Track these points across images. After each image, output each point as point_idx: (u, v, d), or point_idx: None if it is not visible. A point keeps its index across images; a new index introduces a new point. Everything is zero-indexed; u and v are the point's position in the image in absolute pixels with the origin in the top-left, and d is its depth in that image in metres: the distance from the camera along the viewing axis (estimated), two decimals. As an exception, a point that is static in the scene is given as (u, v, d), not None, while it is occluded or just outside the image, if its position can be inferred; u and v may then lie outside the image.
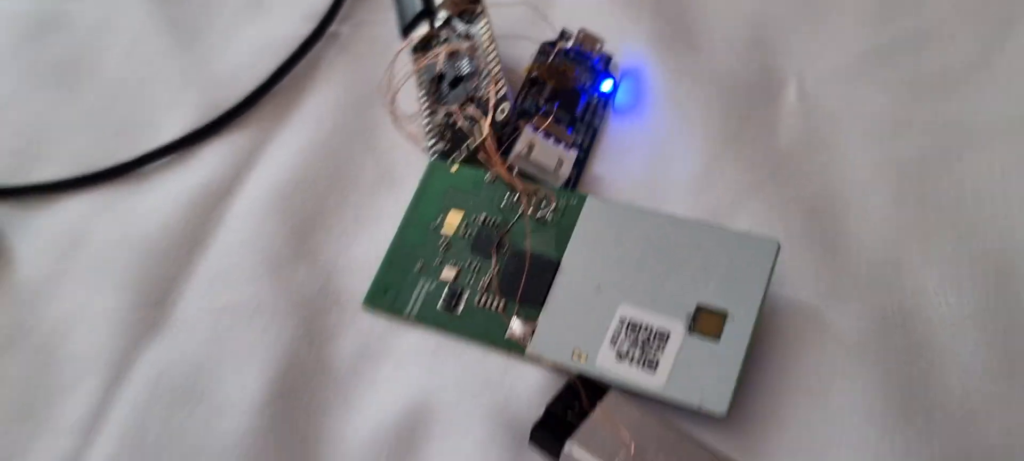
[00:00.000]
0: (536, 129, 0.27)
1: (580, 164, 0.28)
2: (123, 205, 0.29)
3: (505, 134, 0.27)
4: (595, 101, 0.29)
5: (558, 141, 0.27)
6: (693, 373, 0.23)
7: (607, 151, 0.29)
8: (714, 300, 0.24)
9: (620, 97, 0.30)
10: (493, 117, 0.27)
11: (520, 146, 0.27)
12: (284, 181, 0.29)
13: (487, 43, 0.29)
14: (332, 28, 0.33)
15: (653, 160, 0.28)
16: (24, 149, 0.31)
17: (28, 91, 0.33)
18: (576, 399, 0.23)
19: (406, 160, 0.29)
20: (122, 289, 0.27)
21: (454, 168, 0.28)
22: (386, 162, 0.29)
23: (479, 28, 0.30)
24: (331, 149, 0.30)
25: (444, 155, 0.28)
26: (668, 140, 0.29)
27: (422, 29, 0.31)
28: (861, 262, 0.25)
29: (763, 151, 0.28)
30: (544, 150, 0.27)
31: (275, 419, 0.24)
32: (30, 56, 0.34)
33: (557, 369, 0.24)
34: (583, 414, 0.22)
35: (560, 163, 0.27)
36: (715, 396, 0.22)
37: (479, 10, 0.30)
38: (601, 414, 0.22)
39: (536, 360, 0.24)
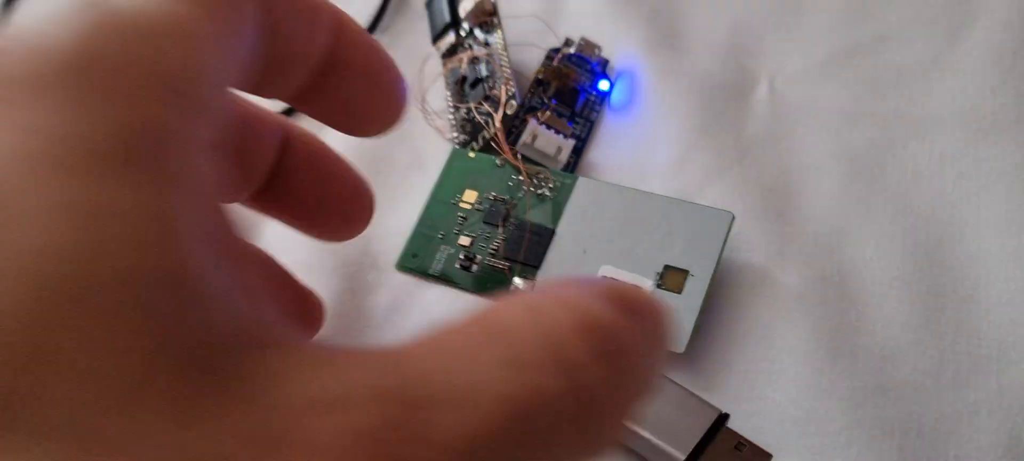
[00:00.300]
0: (539, 122, 0.32)
1: (578, 151, 0.33)
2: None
3: (514, 126, 0.33)
4: (593, 98, 0.35)
5: (558, 132, 0.32)
6: None
7: (602, 141, 0.34)
8: (678, 261, 0.29)
9: (616, 95, 0.35)
10: (503, 112, 0.33)
11: (525, 136, 0.32)
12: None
13: (501, 50, 0.34)
14: (374, 36, 0.39)
15: (639, 147, 0.33)
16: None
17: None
18: None
19: (433, 148, 0.35)
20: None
21: (472, 154, 0.33)
22: (417, 150, 0.35)
23: (495, 37, 0.35)
24: (372, 139, 0.35)
25: (464, 144, 0.34)
26: (652, 130, 0.34)
27: (449, 38, 0.37)
28: (807, 231, 0.30)
29: (732, 140, 0.33)
30: (545, 139, 0.32)
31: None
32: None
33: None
34: None
35: (559, 150, 0.32)
36: (675, 337, 0.27)
37: (496, 22, 0.36)
38: None
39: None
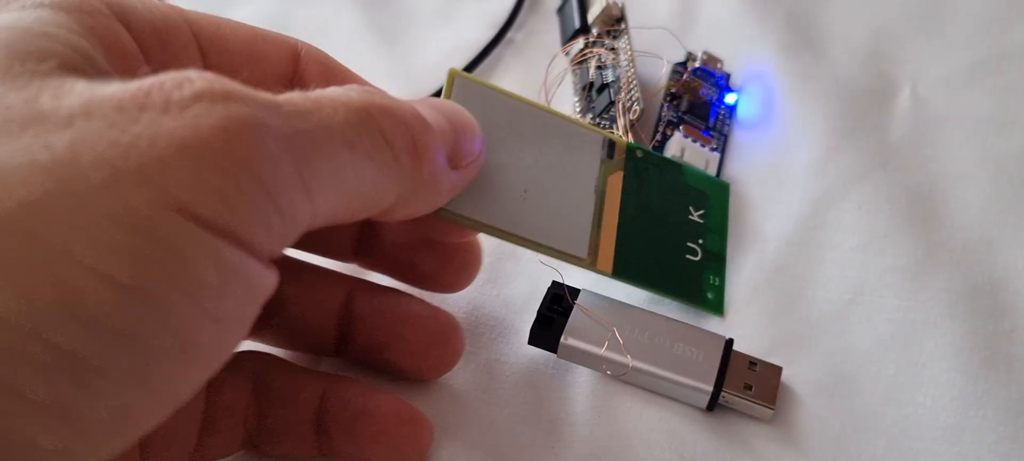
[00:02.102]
0: (684, 135, 0.32)
1: (719, 164, 0.33)
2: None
3: (656, 140, 0.33)
4: (723, 112, 0.35)
5: (703, 145, 0.32)
6: None
7: (736, 153, 0.34)
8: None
9: (742, 109, 0.35)
10: (628, 119, 0.33)
11: (672, 148, 0.32)
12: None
13: (627, 58, 0.35)
14: (509, 34, 0.39)
15: (777, 152, 0.33)
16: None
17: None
18: (558, 301, 0.28)
19: (569, 144, 0.35)
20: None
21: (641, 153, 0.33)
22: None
23: (622, 44, 0.35)
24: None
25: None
26: (791, 134, 0.34)
27: (578, 43, 0.37)
28: (956, 239, 0.30)
29: (874, 145, 0.33)
30: (694, 152, 0.32)
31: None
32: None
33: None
34: (566, 311, 0.28)
35: (706, 163, 0.32)
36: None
37: (623, 29, 0.36)
38: (580, 309, 0.27)
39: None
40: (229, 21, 0.23)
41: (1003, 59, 0.35)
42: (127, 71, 0.19)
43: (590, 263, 0.28)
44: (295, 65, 0.24)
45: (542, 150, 0.28)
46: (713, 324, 0.29)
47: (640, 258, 0.29)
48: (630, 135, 0.33)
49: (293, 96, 0.19)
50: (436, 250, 0.27)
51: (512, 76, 0.38)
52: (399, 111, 0.21)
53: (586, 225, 0.28)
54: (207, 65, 0.22)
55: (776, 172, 0.33)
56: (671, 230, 0.30)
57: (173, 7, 0.22)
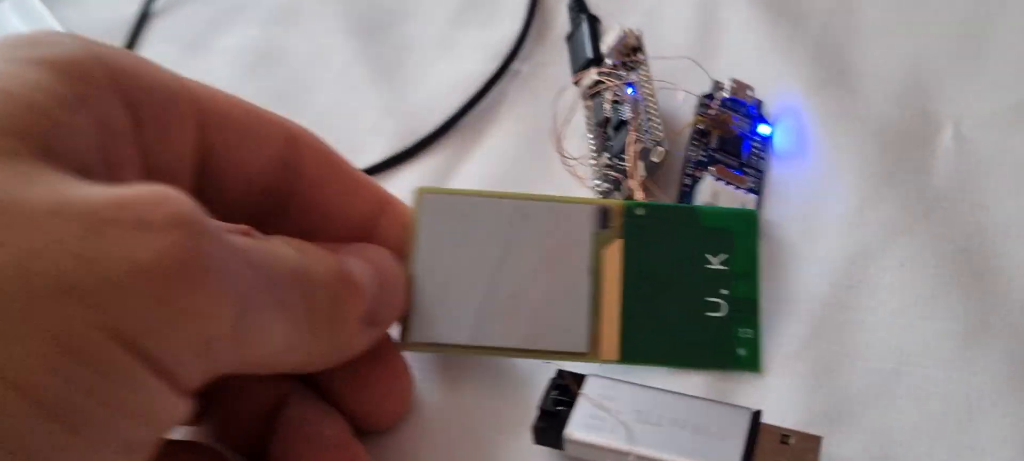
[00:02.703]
0: (716, 177, 0.29)
1: (757, 206, 0.30)
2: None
3: (684, 186, 0.30)
4: (757, 146, 0.32)
5: (739, 187, 0.29)
6: None
7: (771, 193, 0.31)
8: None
9: (779, 141, 0.32)
10: (650, 161, 0.30)
11: (704, 193, 0.29)
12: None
13: (647, 92, 0.32)
14: (514, 66, 0.37)
15: (811, 199, 0.30)
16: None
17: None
18: (558, 389, 0.25)
19: (578, 189, 0.32)
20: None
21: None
22: (559, 188, 0.32)
23: (639, 76, 0.32)
24: (512, 177, 0.33)
25: (606, 194, 0.31)
26: (825, 180, 0.31)
27: (591, 75, 0.34)
28: (1012, 300, 0.27)
29: (916, 192, 0.30)
30: (728, 196, 0.29)
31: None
32: (252, 86, 0.39)
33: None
34: (571, 402, 0.25)
35: (743, 207, 0.29)
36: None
37: (641, 60, 0.33)
38: (585, 397, 0.25)
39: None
40: (229, 96, 0.23)
41: (1053, 98, 0.32)
42: (111, 149, 0.19)
43: (593, 355, 0.26)
44: (292, 149, 0.24)
45: (524, 244, 0.27)
46: (750, 384, 0.26)
47: (651, 334, 0.26)
48: (640, 190, 0.29)
49: (250, 244, 0.19)
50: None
51: (518, 112, 0.35)
52: (325, 277, 0.21)
53: (582, 313, 0.26)
54: (204, 139, 0.22)
55: (809, 223, 0.30)
56: (686, 290, 0.27)
57: (177, 77, 0.21)
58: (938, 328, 0.26)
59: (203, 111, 0.21)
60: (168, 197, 0.17)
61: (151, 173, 0.20)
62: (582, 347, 0.26)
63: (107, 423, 0.16)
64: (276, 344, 0.19)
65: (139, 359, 0.16)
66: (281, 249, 0.20)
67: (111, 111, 0.19)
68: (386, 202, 0.26)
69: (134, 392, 0.16)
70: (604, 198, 0.31)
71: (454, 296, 0.26)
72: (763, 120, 0.32)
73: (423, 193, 0.27)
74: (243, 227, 0.26)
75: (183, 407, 0.18)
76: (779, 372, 0.26)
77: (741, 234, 0.28)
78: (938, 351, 0.26)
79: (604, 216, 0.27)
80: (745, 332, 0.27)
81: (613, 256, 0.27)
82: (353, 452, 0.24)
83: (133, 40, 0.41)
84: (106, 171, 0.19)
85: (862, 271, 0.28)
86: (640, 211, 0.28)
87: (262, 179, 0.23)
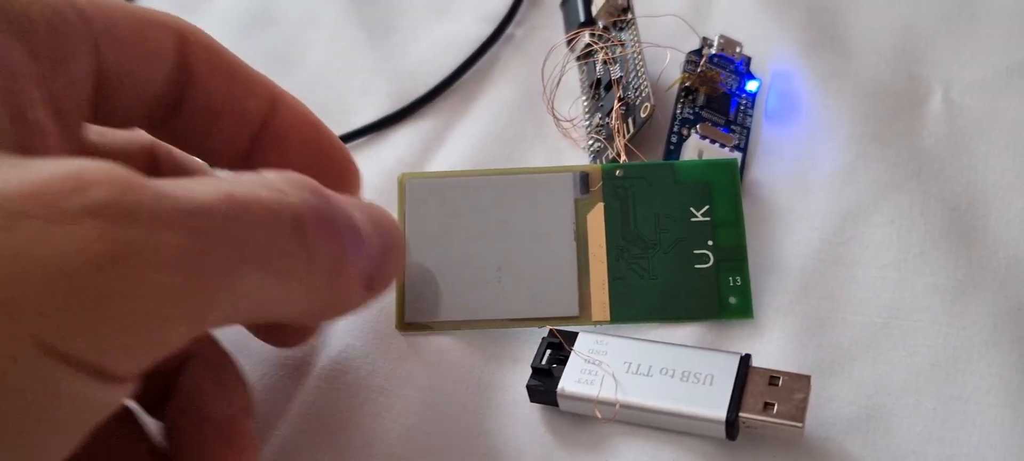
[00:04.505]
0: (701, 136, 0.30)
1: (742, 164, 0.31)
2: (326, 180, 0.33)
3: (670, 142, 0.30)
4: (745, 102, 0.32)
5: (723, 145, 0.30)
6: None
7: (760, 152, 0.31)
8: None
9: (770, 102, 0.32)
10: (639, 116, 0.30)
11: (689, 152, 0.29)
12: (465, 163, 0.32)
13: (635, 50, 0.32)
14: (508, 30, 0.37)
15: (801, 158, 0.30)
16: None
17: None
18: (552, 348, 0.26)
19: (571, 149, 0.32)
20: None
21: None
22: (552, 149, 0.33)
23: (628, 36, 0.33)
24: (506, 138, 0.33)
25: (598, 153, 0.31)
26: (815, 139, 0.31)
27: (584, 38, 0.34)
28: (999, 257, 0.27)
29: (907, 151, 0.30)
30: (713, 154, 0.29)
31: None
32: (245, 46, 0.38)
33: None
34: (564, 360, 0.25)
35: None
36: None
37: (630, 19, 0.33)
38: (577, 354, 0.25)
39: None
40: (119, 4, 0.21)
41: (1043, 63, 0.32)
42: (13, 93, 0.17)
43: (585, 318, 0.26)
44: (183, 50, 0.22)
45: (509, 218, 0.28)
46: (742, 334, 0.26)
47: (640, 292, 0.27)
48: (623, 152, 0.29)
49: (216, 199, 0.16)
50: None
51: (512, 74, 0.35)
52: (337, 221, 0.19)
53: (572, 278, 0.27)
54: (99, 58, 0.20)
55: (800, 181, 0.30)
56: (672, 245, 0.27)
57: None
58: (927, 283, 0.27)
59: (94, 30, 0.20)
60: (84, 178, 0.14)
61: (57, 109, 0.19)
62: (573, 311, 0.26)
63: (31, 432, 0.14)
64: (257, 302, 0.17)
65: (67, 364, 0.14)
66: (273, 191, 0.18)
67: (5, 51, 0.18)
68: (278, 98, 0.24)
69: (61, 398, 0.14)
70: (596, 158, 0.32)
71: (445, 275, 0.27)
72: (751, 76, 0.32)
73: (405, 179, 0.28)
74: (198, 164, 0.26)
75: (123, 393, 0.16)
76: (770, 325, 0.26)
77: (720, 184, 0.28)
78: (927, 305, 0.26)
79: (584, 182, 0.28)
80: (734, 279, 0.27)
81: (596, 219, 0.28)
82: (239, 438, 0.22)
83: None
84: (11, 118, 0.17)
85: (852, 227, 0.28)
86: (619, 173, 0.28)
87: (154, 87, 0.22)
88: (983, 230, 0.28)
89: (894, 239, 0.28)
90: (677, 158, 0.30)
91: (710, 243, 0.27)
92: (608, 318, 0.27)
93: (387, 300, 0.28)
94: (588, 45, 0.34)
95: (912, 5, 0.34)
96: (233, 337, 0.25)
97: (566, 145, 0.33)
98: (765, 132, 0.32)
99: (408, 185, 0.28)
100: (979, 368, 0.25)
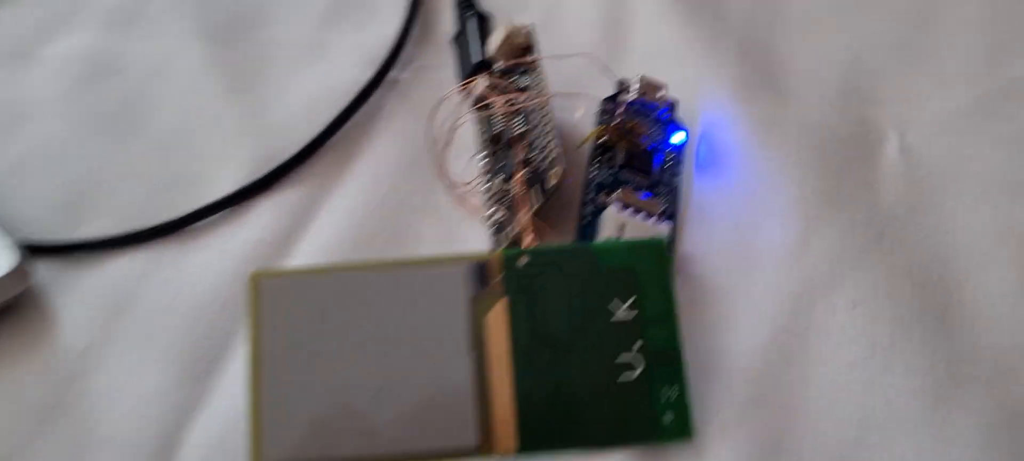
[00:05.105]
0: (622, 205, 0.24)
1: (672, 236, 0.25)
2: (172, 266, 0.27)
3: (583, 217, 0.25)
4: (671, 157, 0.27)
5: (648, 215, 0.24)
6: None
7: (692, 218, 0.26)
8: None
9: (701, 155, 0.27)
10: (543, 188, 0.25)
11: (608, 227, 0.24)
12: (341, 241, 0.27)
13: (541, 101, 0.26)
14: (392, 74, 0.31)
15: (742, 225, 0.26)
16: (72, 203, 0.30)
17: (79, 140, 0.31)
18: None
19: (470, 221, 0.27)
20: (169, 362, 0.25)
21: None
22: (447, 223, 0.27)
23: (534, 83, 0.27)
24: (390, 207, 0.28)
25: (500, 229, 0.26)
26: (757, 201, 0.26)
27: (481, 82, 0.29)
28: (981, 345, 0.23)
29: (864, 214, 0.25)
30: (637, 228, 0.24)
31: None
32: (84, 102, 0.33)
33: None
34: None
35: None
36: None
37: (533, 61, 0.28)
38: None
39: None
40: None
41: (1005, 98, 0.28)
42: None
43: (486, 449, 0.21)
44: None
45: (389, 324, 0.22)
46: (683, 456, 0.22)
47: (555, 413, 0.21)
48: (529, 229, 0.24)
49: None
50: None
51: (397, 127, 0.30)
52: None
53: (467, 399, 0.21)
54: None
55: (742, 254, 0.25)
56: (591, 351, 0.22)
57: None
58: (901, 386, 0.22)
59: None
60: None
61: None
62: (471, 441, 0.21)
63: None
64: None
65: None
66: None
67: None
68: None
69: None
70: (498, 231, 0.26)
71: (312, 398, 0.22)
72: (677, 127, 0.27)
73: (259, 279, 0.23)
74: None
75: None
76: (715, 446, 0.22)
77: (648, 270, 0.23)
78: (904, 414, 0.22)
79: (481, 274, 0.22)
80: (668, 391, 0.22)
81: (497, 322, 0.22)
82: None
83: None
84: None
85: (808, 314, 0.23)
86: (523, 261, 0.23)
87: None
88: (960, 309, 0.23)
89: (859, 328, 0.23)
90: (593, 233, 0.25)
91: (638, 346, 0.22)
92: (515, 448, 0.21)
93: (239, 430, 0.22)
94: (485, 92, 0.28)
95: (856, 33, 0.30)
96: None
97: (463, 215, 0.27)
98: (697, 193, 0.27)
99: (263, 287, 0.23)
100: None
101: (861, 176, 0.26)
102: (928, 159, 0.27)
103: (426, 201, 0.28)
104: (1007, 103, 0.27)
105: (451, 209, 0.27)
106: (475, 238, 0.27)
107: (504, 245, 0.26)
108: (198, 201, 0.28)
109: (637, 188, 0.26)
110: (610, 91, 0.28)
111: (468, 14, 0.31)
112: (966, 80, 0.28)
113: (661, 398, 0.22)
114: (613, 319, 0.22)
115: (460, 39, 0.31)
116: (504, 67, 0.28)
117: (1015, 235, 0.25)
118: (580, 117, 0.27)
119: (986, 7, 0.30)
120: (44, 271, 0.27)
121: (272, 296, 0.23)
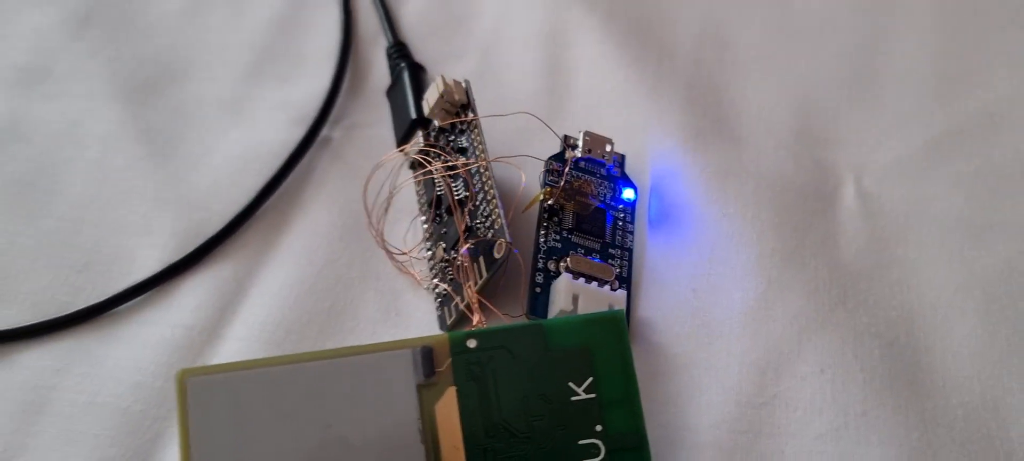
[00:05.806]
0: (575, 275, 0.23)
1: (628, 301, 0.24)
2: (92, 358, 0.25)
3: (536, 286, 0.23)
4: (623, 215, 0.26)
5: (602, 282, 0.23)
6: None
7: (647, 281, 0.25)
8: None
9: (653, 210, 0.26)
10: (487, 261, 0.23)
11: (561, 299, 0.23)
12: (276, 322, 0.25)
13: (481, 164, 0.25)
14: (323, 132, 0.29)
15: (701, 288, 0.24)
16: (-25, 289, 0.27)
17: (-19, 217, 0.29)
18: None
19: (414, 291, 0.25)
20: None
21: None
22: (389, 294, 0.26)
23: (473, 142, 0.26)
24: (327, 280, 0.26)
25: (445, 299, 0.25)
26: (716, 260, 0.25)
27: (417, 140, 0.27)
28: (952, 405, 0.22)
29: (826, 270, 0.24)
30: (591, 297, 0.23)
31: None
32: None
33: None
34: None
35: (606, 308, 0.23)
36: None
37: (471, 120, 0.26)
38: None
39: None
40: None
41: (964, 136, 0.27)
42: None
43: None
44: None
45: (331, 420, 0.21)
46: None
47: None
48: (476, 309, 0.23)
49: None
50: None
51: (330, 191, 0.28)
52: None
53: None
54: None
55: (702, 320, 0.24)
56: (550, 437, 0.20)
57: None
58: (876, 455, 0.21)
59: None
60: None
61: None
62: None
63: None
64: None
65: None
66: None
67: None
68: None
69: None
70: (443, 305, 0.25)
71: None
72: (627, 182, 0.26)
73: (187, 378, 0.21)
74: None
75: None
76: (686, 537, 0.20)
77: (605, 348, 0.21)
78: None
79: (428, 360, 0.21)
80: None
81: (448, 409, 0.20)
82: None
83: None
84: None
85: (775, 382, 0.22)
86: (472, 343, 0.21)
87: None
88: (930, 369, 0.22)
89: (828, 396, 0.22)
90: (545, 306, 0.23)
91: (598, 429, 0.21)
92: None
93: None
94: (420, 153, 0.27)
95: (804, 70, 0.29)
96: None
97: (406, 284, 0.26)
98: (651, 252, 0.25)
99: (191, 386, 0.21)
100: None
101: (820, 229, 0.25)
102: (887, 205, 0.26)
103: (365, 270, 0.26)
104: (960, 142, 0.27)
105: (393, 278, 0.26)
106: (420, 309, 0.25)
107: (450, 321, 0.24)
108: (117, 283, 0.26)
109: (588, 252, 0.24)
110: (554, 149, 0.26)
111: (401, 66, 0.29)
112: (919, 115, 0.28)
113: (626, 485, 0.20)
114: (572, 399, 0.21)
115: (394, 92, 0.29)
116: (441, 126, 0.27)
117: (979, 283, 0.24)
118: (524, 181, 0.25)
119: (932, 37, 0.29)
120: (-55, 373, 0.25)
121: (201, 395, 0.21)
